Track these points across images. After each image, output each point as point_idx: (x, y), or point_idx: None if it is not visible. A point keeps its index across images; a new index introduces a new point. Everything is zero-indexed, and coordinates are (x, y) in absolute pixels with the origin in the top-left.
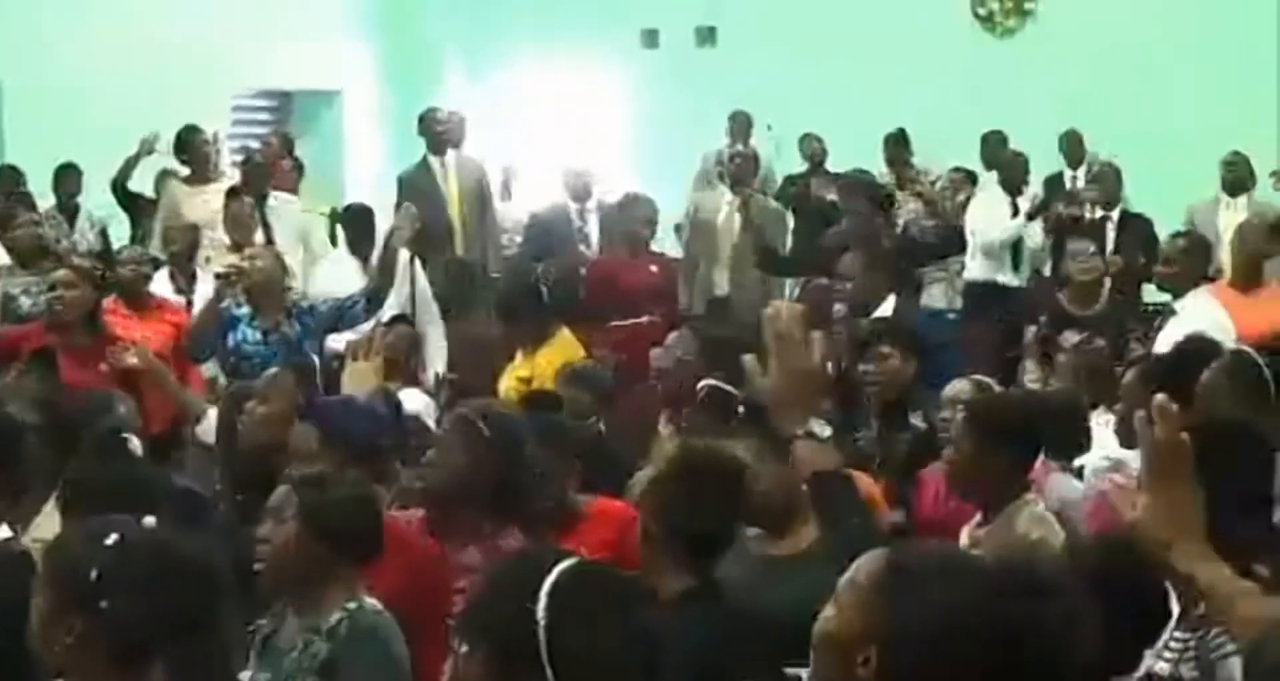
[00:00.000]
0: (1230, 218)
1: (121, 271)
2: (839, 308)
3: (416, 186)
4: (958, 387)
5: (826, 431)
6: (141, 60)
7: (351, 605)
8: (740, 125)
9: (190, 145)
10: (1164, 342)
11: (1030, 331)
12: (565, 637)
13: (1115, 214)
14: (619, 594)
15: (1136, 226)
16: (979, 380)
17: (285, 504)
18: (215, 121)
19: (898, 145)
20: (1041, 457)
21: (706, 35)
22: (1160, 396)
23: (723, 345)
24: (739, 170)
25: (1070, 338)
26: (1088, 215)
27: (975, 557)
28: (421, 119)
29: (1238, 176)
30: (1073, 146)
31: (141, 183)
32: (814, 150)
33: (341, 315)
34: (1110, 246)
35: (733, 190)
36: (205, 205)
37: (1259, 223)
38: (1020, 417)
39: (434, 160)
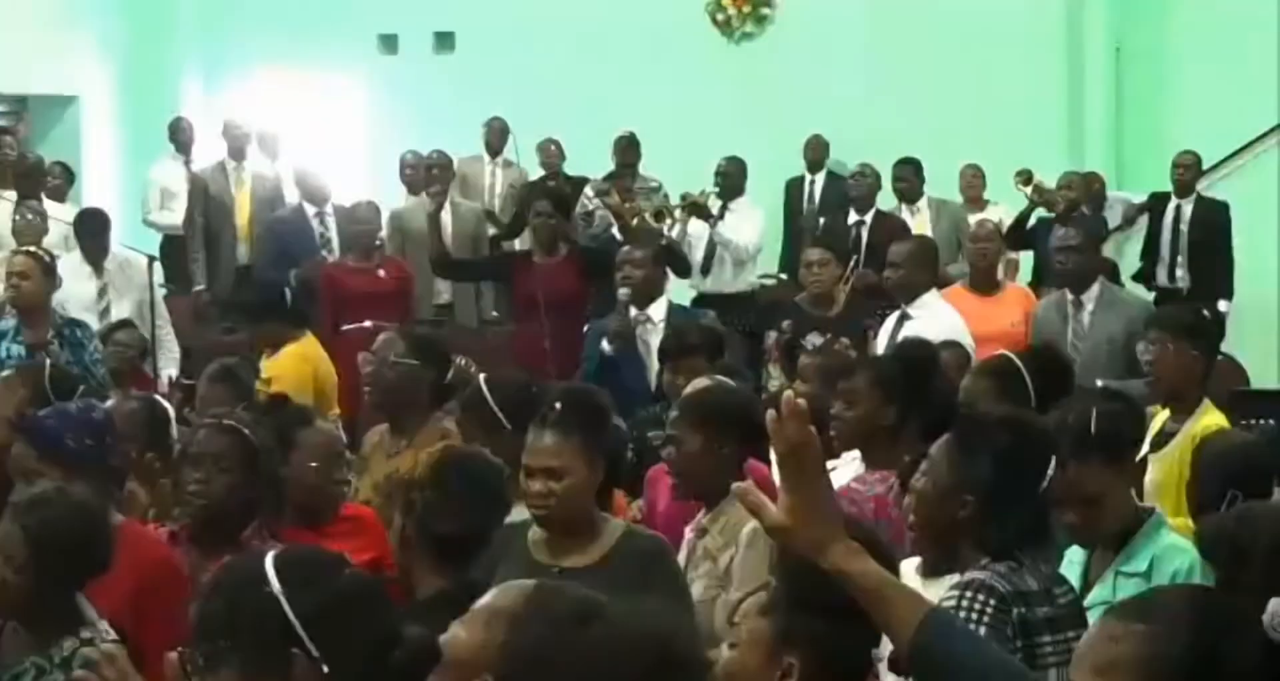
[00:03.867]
0: (915, 224)
1: None
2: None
3: (209, 188)
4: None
5: None
6: None
7: (85, 633)
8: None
9: None
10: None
11: (771, 336)
12: (306, 599)
13: (869, 217)
14: (326, 556)
15: (890, 226)
16: (722, 380)
17: (6, 538)
18: None
19: (628, 149)
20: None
21: (445, 40)
22: (788, 393)
23: (428, 344)
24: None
25: (814, 340)
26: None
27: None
28: (224, 126)
29: (909, 185)
30: (814, 152)
31: None
32: (550, 153)
33: None
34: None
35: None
36: None
37: (992, 228)
38: (739, 409)
39: (230, 164)
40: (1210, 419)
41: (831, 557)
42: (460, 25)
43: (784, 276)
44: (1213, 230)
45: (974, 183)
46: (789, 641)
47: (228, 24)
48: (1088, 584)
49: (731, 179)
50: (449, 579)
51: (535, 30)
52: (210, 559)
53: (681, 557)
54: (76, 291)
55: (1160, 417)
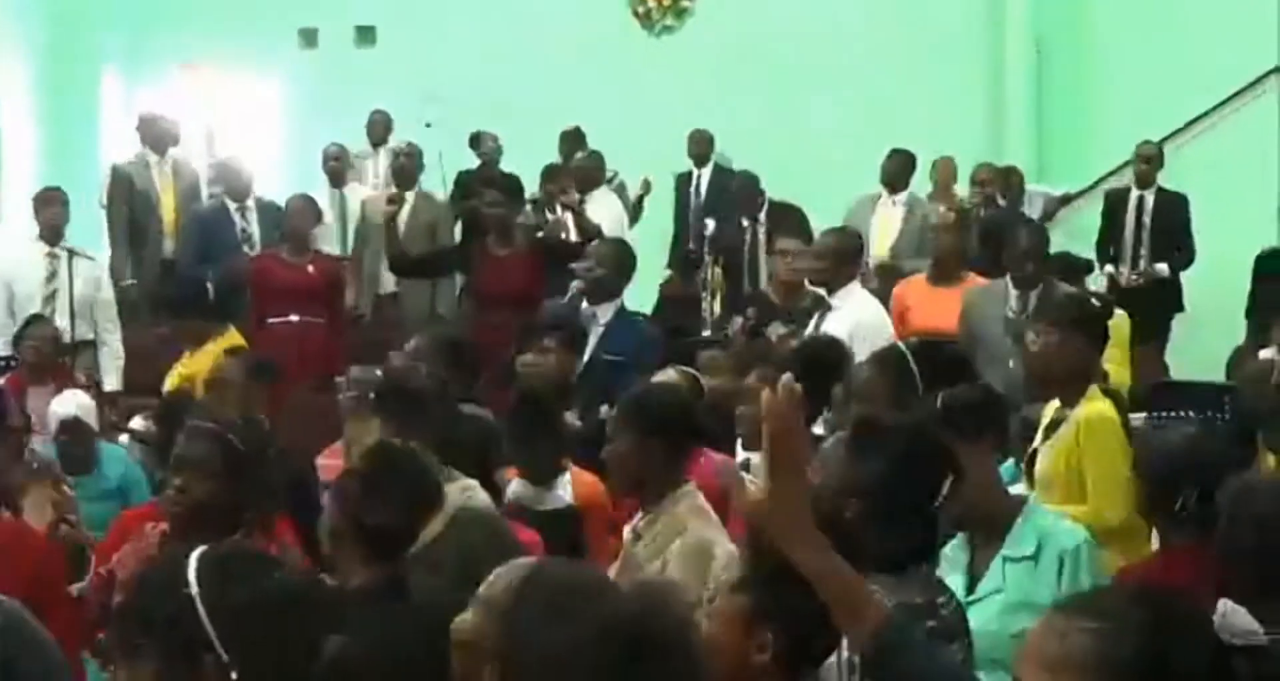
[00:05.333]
0: (886, 213)
1: None
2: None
3: (130, 180)
4: (669, 376)
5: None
6: None
7: None
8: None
9: None
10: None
11: (737, 322)
12: (221, 603)
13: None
14: (255, 557)
15: (788, 216)
16: (685, 370)
17: None
18: None
19: (574, 141)
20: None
21: (366, 34)
22: (786, 377)
23: (454, 346)
24: (402, 168)
25: (777, 329)
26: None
27: (610, 586)
28: (142, 119)
29: (895, 173)
30: (698, 146)
31: None
32: (488, 147)
33: None
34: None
35: (399, 187)
36: None
37: (951, 220)
38: (674, 408)
39: (153, 158)
40: (1094, 406)
41: (798, 549)
42: (381, 19)
43: (669, 272)
44: (1174, 221)
45: (945, 175)
46: (765, 615)
47: (148, 19)
48: (974, 577)
49: (587, 172)
50: (377, 572)
51: (456, 23)
52: None
53: (618, 561)
54: (26, 272)
55: (1050, 408)
